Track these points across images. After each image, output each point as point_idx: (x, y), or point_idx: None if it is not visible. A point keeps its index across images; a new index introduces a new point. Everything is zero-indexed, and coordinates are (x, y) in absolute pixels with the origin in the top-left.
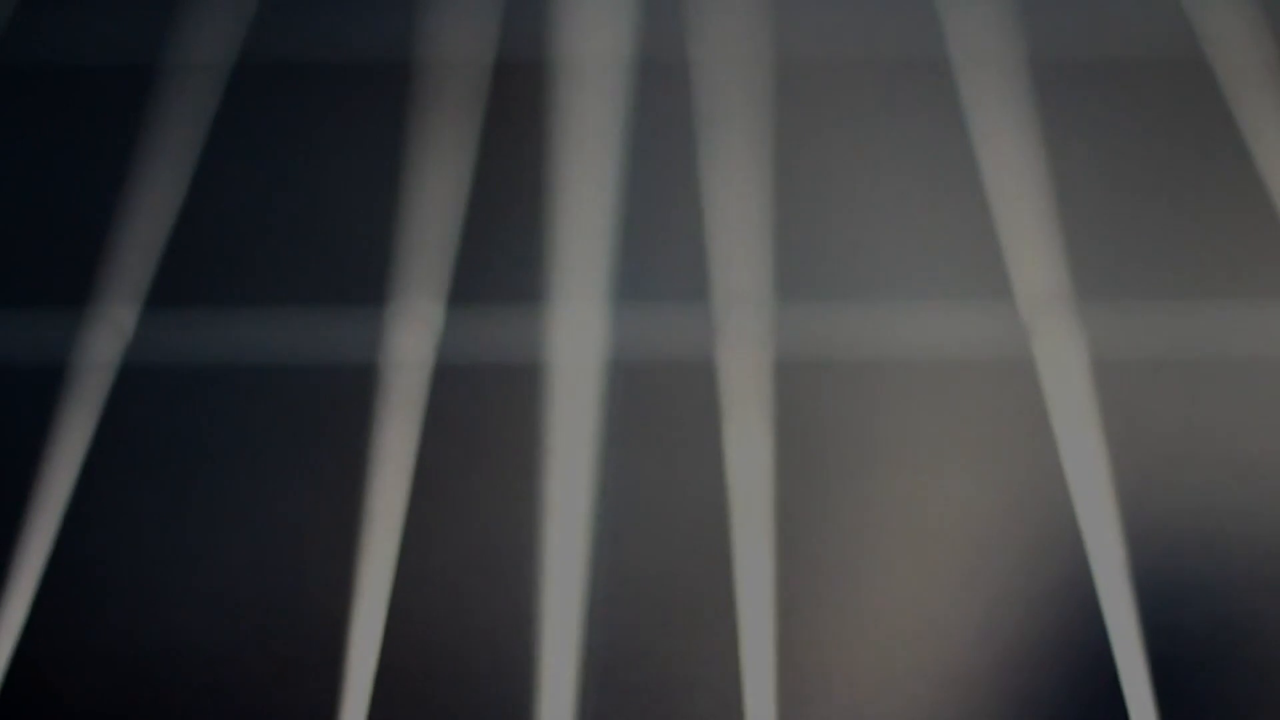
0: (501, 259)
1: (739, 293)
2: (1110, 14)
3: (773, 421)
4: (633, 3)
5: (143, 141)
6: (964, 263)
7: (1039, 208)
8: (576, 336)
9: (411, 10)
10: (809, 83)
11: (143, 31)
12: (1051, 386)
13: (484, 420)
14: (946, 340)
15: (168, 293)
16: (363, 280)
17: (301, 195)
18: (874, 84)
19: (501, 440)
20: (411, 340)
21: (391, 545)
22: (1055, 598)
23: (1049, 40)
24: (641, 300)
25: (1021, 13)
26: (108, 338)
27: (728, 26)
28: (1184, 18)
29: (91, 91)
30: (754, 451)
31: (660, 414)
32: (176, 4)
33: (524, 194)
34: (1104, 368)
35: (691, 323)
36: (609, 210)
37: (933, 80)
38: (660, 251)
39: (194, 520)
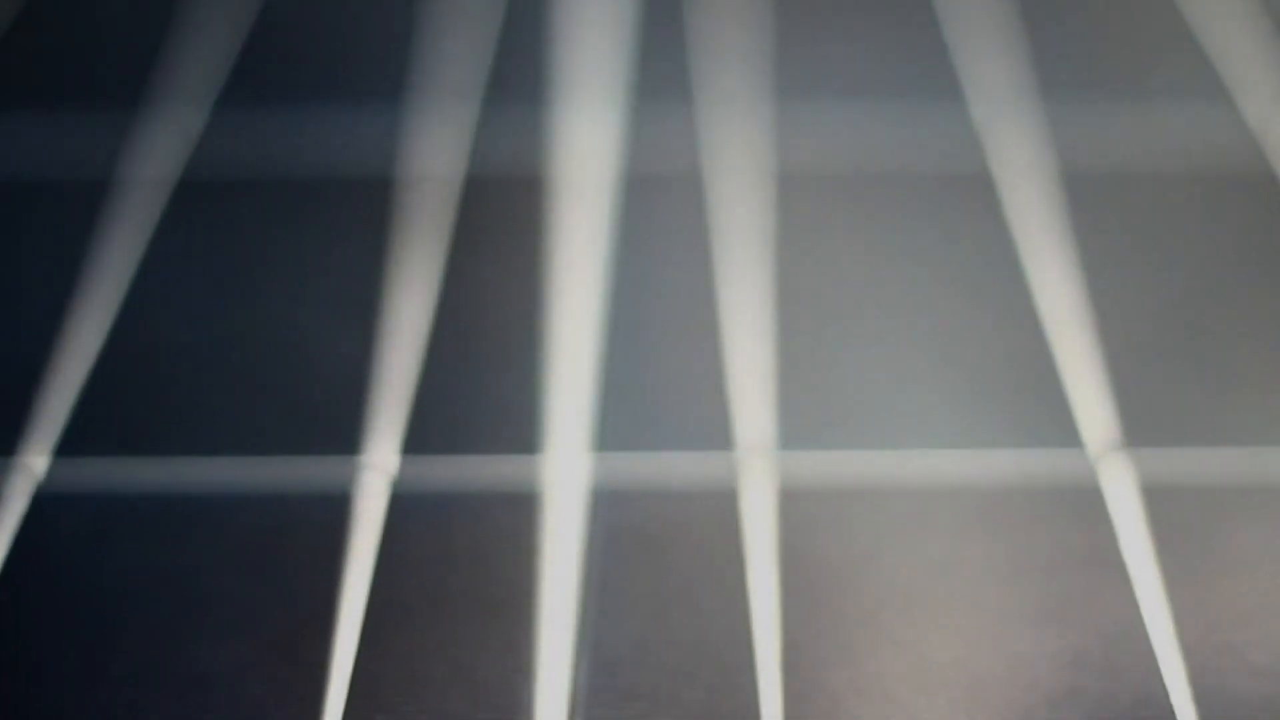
0: (479, 406)
1: (749, 441)
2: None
3: (781, 555)
4: (625, 117)
5: (89, 258)
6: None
7: (1081, 342)
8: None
9: (390, 126)
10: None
11: (96, 146)
12: (1105, 525)
13: (445, 558)
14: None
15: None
16: (322, 427)
17: (256, 326)
18: (874, 196)
19: (487, 610)
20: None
21: None
22: None
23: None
24: (632, 450)
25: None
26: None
27: (729, 140)
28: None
29: (36, 207)
30: (766, 587)
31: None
32: (130, 119)
33: (507, 328)
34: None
35: (697, 470)
36: (599, 353)
37: (932, 194)
38: (659, 398)
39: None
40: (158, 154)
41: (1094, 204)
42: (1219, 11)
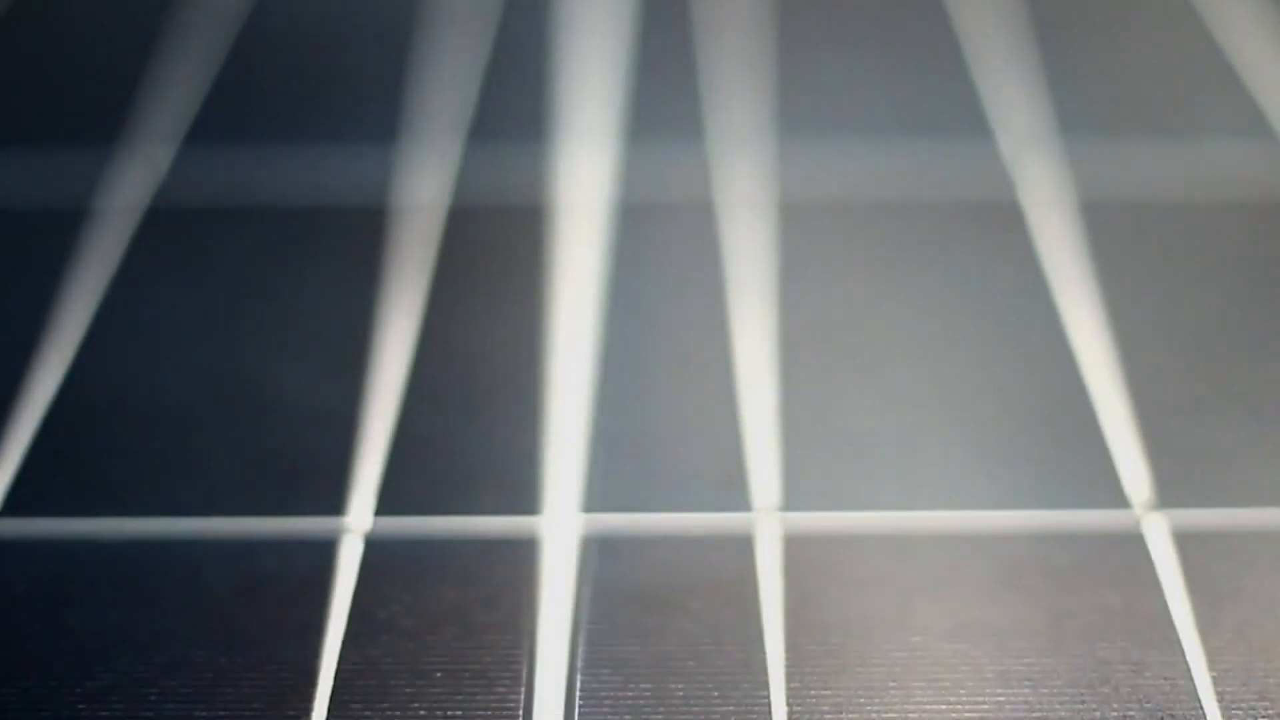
0: (464, 461)
1: (757, 501)
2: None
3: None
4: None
5: (57, 292)
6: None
7: (1112, 388)
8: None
9: (380, 158)
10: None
11: (67, 178)
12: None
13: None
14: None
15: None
16: (298, 483)
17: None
18: (889, 227)
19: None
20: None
21: None
22: None
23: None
24: (629, 511)
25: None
26: None
27: (735, 173)
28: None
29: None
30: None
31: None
32: (107, 147)
33: (499, 372)
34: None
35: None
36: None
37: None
38: (658, 453)
39: None
40: (131, 184)
41: (1122, 237)
42: (1248, 42)
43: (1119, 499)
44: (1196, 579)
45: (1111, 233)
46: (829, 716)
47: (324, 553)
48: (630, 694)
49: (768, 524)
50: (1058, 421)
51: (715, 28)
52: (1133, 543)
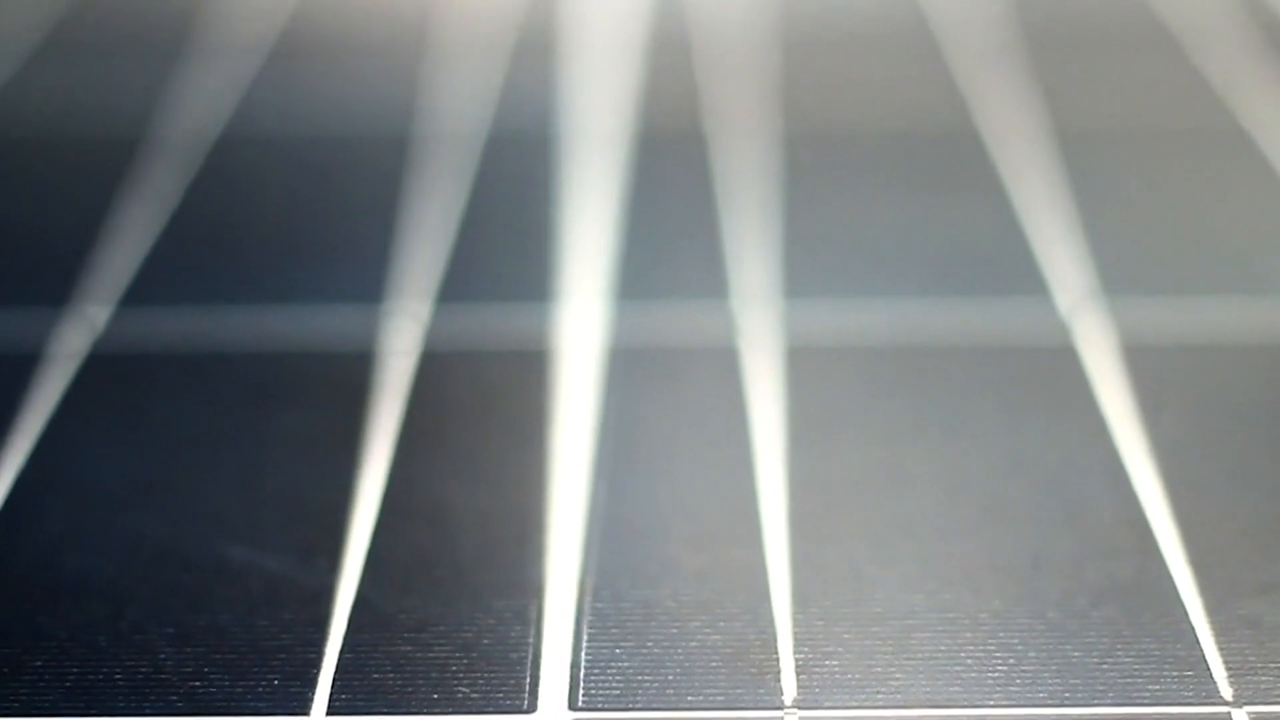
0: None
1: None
2: None
3: None
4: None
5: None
6: None
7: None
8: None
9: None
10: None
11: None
12: None
13: None
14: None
15: None
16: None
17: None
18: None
19: None
20: None
21: None
22: None
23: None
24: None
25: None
26: None
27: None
28: None
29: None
30: None
31: None
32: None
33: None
34: None
35: None
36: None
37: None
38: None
39: None
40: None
41: (1163, 376)
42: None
43: (1206, 694)
44: None
45: (1153, 368)
46: None
47: None
48: None
49: None
50: (1132, 601)
51: (731, 181)
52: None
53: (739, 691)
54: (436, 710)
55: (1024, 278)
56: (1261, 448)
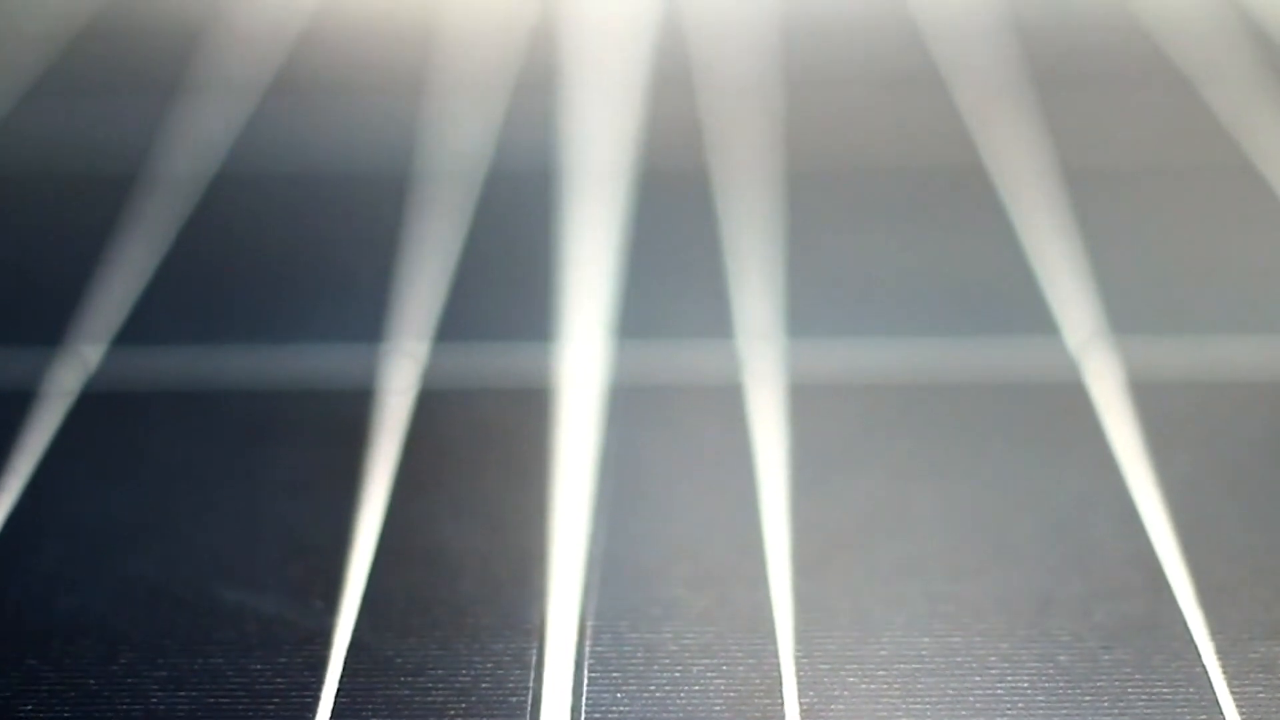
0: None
1: None
2: None
3: None
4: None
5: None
6: None
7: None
8: None
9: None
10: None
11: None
12: None
13: None
14: None
15: None
16: None
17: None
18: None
19: None
20: None
21: None
22: None
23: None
24: None
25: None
26: None
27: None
28: None
29: None
30: None
31: None
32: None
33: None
34: None
35: None
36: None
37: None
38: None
39: None
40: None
41: (1176, 417)
42: None
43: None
44: None
45: (1166, 410)
46: None
47: None
48: None
49: None
50: (1143, 643)
51: (734, 222)
52: None
53: None
54: None
55: (1032, 315)
56: (1273, 486)
